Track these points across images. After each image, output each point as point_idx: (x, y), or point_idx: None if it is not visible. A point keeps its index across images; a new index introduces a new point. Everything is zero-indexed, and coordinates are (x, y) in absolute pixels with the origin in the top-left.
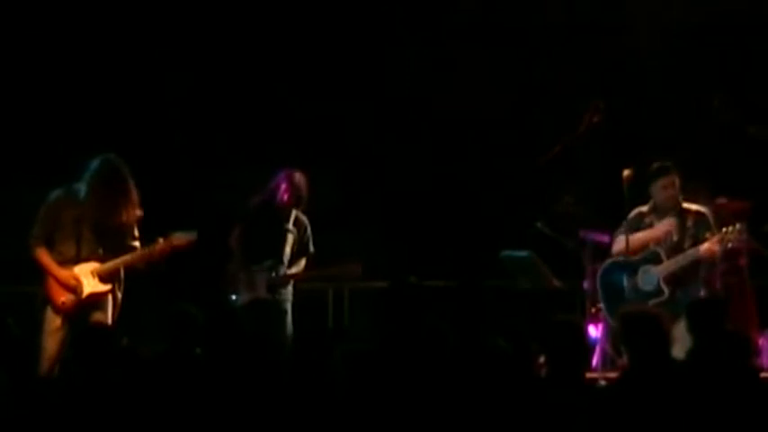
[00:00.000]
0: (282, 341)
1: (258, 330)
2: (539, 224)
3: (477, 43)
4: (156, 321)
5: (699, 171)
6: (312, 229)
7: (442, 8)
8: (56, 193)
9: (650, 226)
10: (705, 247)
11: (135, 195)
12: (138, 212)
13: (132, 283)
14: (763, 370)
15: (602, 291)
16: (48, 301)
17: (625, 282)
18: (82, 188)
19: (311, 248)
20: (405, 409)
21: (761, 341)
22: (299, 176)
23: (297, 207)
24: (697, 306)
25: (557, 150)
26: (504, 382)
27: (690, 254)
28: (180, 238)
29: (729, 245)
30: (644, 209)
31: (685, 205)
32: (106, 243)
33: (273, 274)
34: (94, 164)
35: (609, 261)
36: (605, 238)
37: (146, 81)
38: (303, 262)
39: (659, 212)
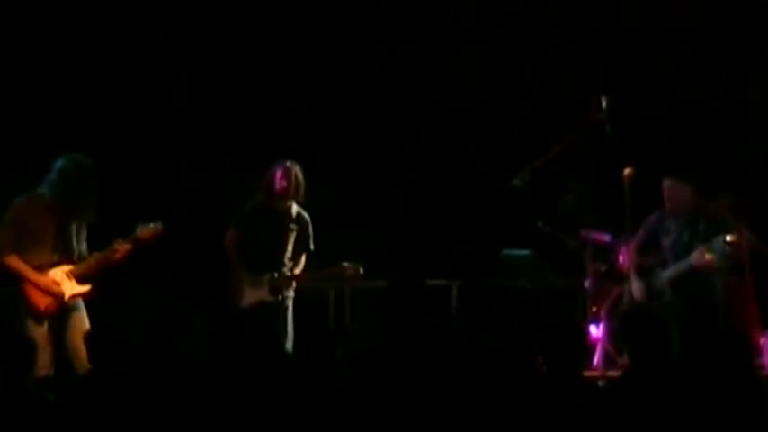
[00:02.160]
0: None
1: (263, 333)
2: (540, 223)
3: (477, 43)
4: (154, 321)
5: (698, 170)
6: (312, 229)
7: (441, 6)
8: (20, 200)
9: (667, 230)
10: (694, 256)
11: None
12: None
13: (131, 283)
14: (764, 369)
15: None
16: (28, 308)
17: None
18: (46, 191)
19: (311, 246)
20: (405, 409)
21: (762, 341)
22: (291, 164)
23: (296, 196)
24: (687, 309)
25: (556, 150)
26: (504, 382)
27: (684, 262)
28: (146, 230)
29: (728, 253)
30: (666, 209)
31: (701, 207)
32: (72, 243)
33: (276, 275)
34: (59, 163)
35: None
36: (606, 238)
37: (143, 81)
38: (303, 260)
39: (672, 213)
